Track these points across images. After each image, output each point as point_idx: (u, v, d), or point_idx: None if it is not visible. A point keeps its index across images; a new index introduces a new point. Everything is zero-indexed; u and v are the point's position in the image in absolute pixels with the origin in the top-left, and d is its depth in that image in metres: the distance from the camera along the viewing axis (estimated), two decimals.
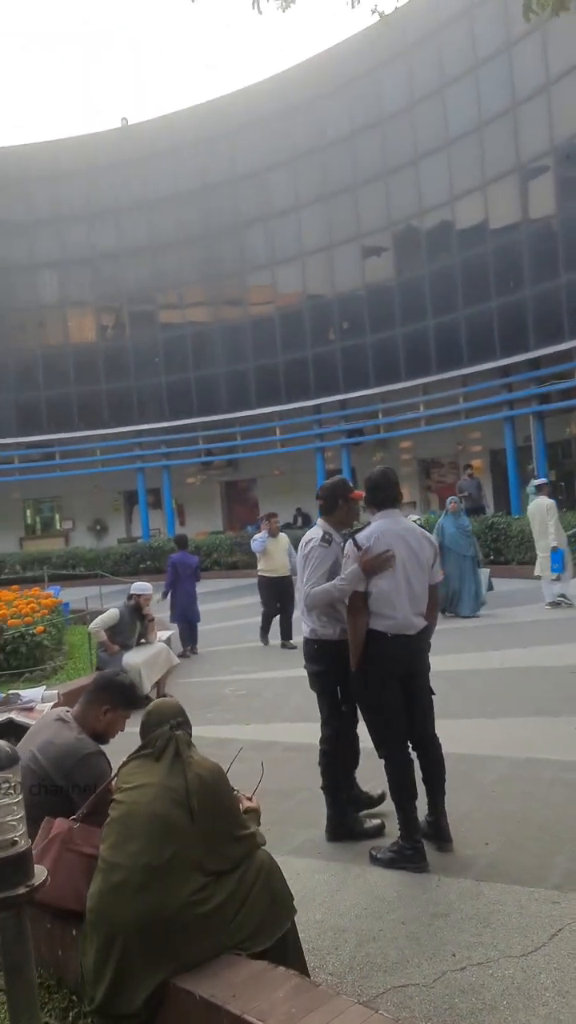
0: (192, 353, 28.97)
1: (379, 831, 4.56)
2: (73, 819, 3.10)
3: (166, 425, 28.79)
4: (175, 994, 2.60)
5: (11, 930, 1.90)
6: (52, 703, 5.97)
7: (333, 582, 4.39)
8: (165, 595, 11.17)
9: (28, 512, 32.65)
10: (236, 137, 27.77)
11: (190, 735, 3.10)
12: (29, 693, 6.10)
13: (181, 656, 11.27)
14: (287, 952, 2.94)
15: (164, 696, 8.40)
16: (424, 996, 3.05)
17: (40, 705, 5.86)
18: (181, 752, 2.96)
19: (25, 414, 29.89)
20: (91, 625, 8.50)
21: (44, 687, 6.48)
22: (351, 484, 4.93)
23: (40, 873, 1.97)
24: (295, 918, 3.60)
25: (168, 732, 3.00)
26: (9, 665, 9.12)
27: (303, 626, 4.86)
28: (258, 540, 11.27)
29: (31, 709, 5.78)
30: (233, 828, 2.94)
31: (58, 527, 32.30)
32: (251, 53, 73.41)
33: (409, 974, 3.20)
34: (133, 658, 8.22)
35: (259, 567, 11.28)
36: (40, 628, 9.38)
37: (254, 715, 7.62)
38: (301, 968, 2.98)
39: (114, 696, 3.43)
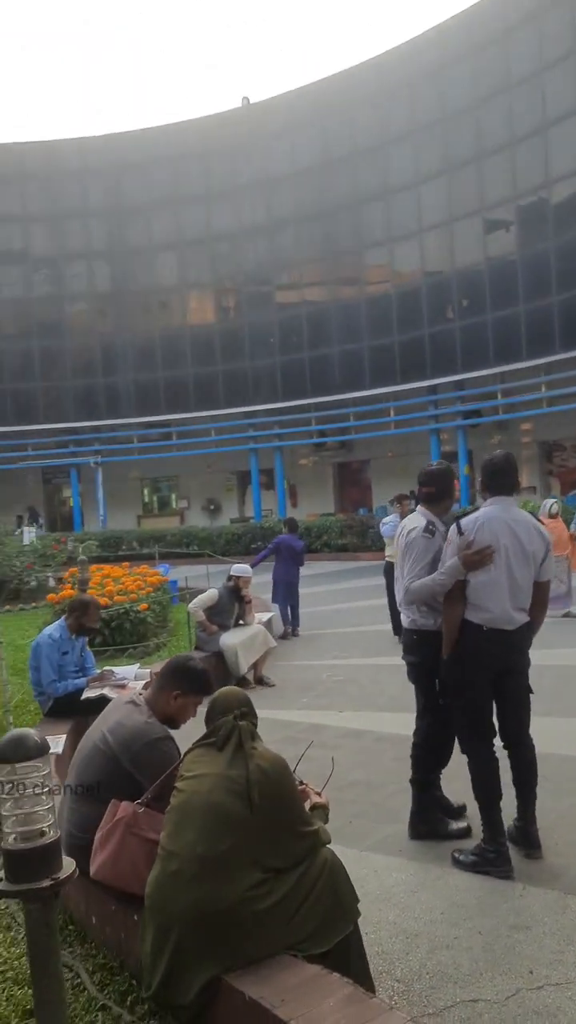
0: (307, 333, 28.89)
1: (465, 833, 4.37)
2: (138, 803, 3.07)
3: (279, 406, 28.88)
4: (226, 991, 2.53)
5: (37, 922, 1.86)
6: (144, 681, 6.03)
7: (433, 576, 4.22)
8: (254, 564, 11.19)
9: (146, 491, 33.52)
10: (356, 112, 27.34)
11: (255, 725, 3.01)
12: (123, 670, 6.18)
13: (282, 637, 11.28)
14: (349, 956, 2.83)
15: (261, 678, 8.44)
16: (494, 1013, 2.88)
17: (133, 682, 5.93)
18: (244, 743, 2.87)
19: (144, 395, 30.63)
20: (190, 605, 8.58)
21: (138, 665, 6.57)
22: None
23: (68, 866, 1.92)
24: (361, 919, 3.52)
25: (232, 722, 2.92)
26: (114, 641, 9.34)
27: (403, 616, 4.71)
28: (389, 524, 10.48)
29: (124, 686, 5.85)
30: (296, 824, 2.84)
31: (174, 506, 33.05)
32: (373, 25, 72.19)
33: (481, 988, 3.03)
34: (230, 639, 8.25)
35: (387, 552, 10.88)
36: (144, 605, 9.55)
37: (349, 702, 7.50)
38: (363, 974, 2.86)
39: (186, 681, 3.38)
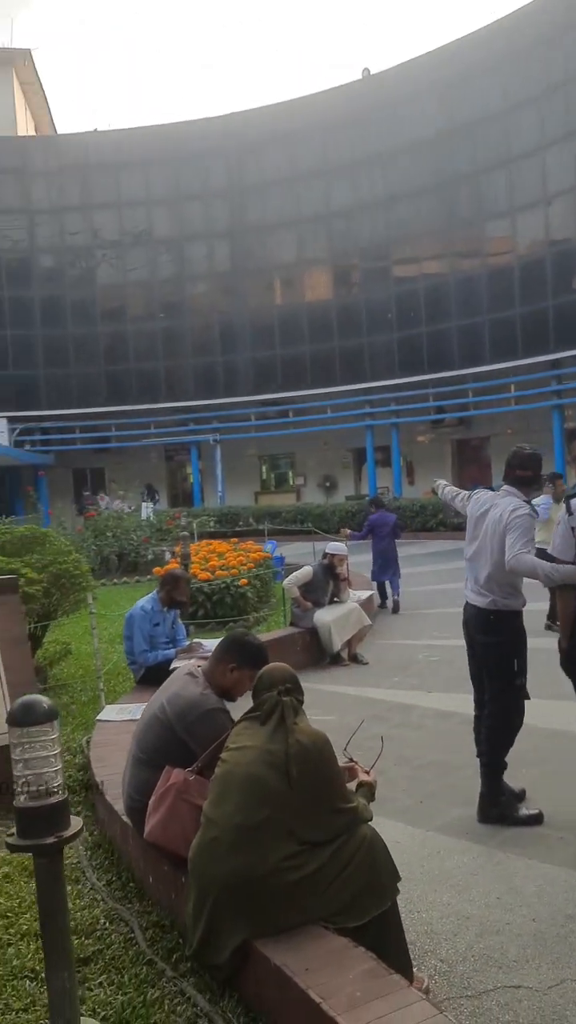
0: (425, 307, 28.40)
1: (536, 820, 4.30)
2: (189, 770, 3.20)
3: (396, 382, 28.57)
4: (256, 955, 2.62)
5: (45, 875, 1.99)
6: None
7: (546, 564, 4.20)
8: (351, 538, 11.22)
9: (263, 468, 33.96)
10: (478, 79, 26.47)
11: (300, 702, 3.06)
12: (210, 643, 6.35)
13: (382, 607, 11.29)
14: (386, 932, 2.86)
15: (355, 656, 8.48)
16: (534, 1001, 2.85)
17: None
18: (286, 718, 2.93)
19: (261, 373, 30.97)
20: (285, 581, 8.70)
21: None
22: None
23: (75, 824, 2.04)
24: (415, 898, 3.54)
25: (275, 697, 2.98)
26: (215, 614, 9.60)
27: (470, 595, 4.68)
28: (542, 505, 8.98)
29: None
30: (334, 799, 2.88)
31: (290, 483, 33.35)
32: None
33: (525, 975, 3.00)
34: (324, 616, 8.33)
35: (537, 538, 9.67)
36: (244, 580, 9.76)
37: (440, 683, 7.44)
38: (400, 951, 2.89)
39: (241, 655, 3.46)
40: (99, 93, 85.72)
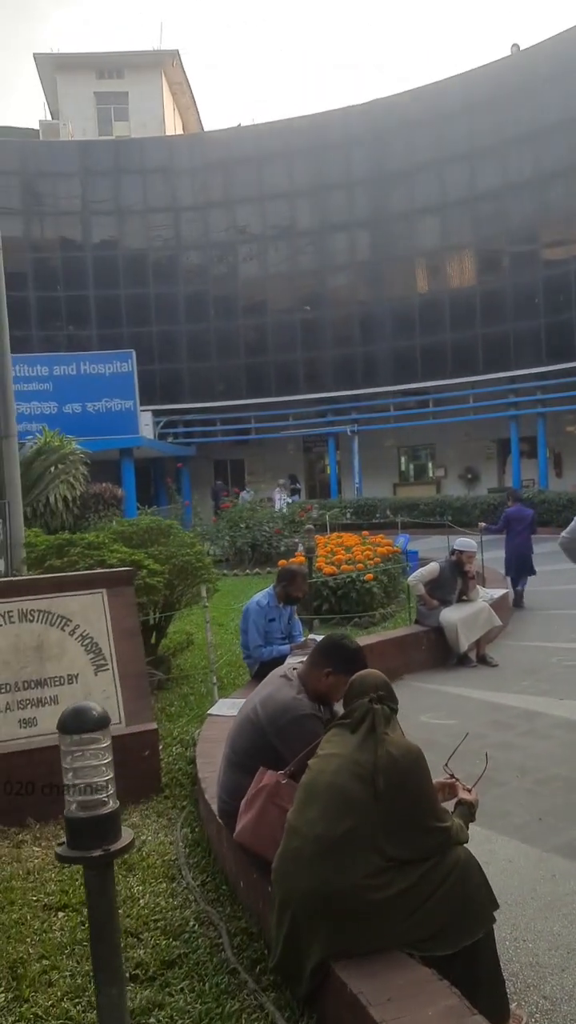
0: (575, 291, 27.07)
1: None
2: (282, 773, 3.11)
3: (543, 370, 27.42)
4: (333, 978, 2.50)
5: (93, 888, 1.94)
6: None
7: None
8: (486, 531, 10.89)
9: (402, 459, 33.50)
10: None
11: (393, 711, 2.89)
12: None
13: (515, 605, 10.83)
14: (478, 964, 2.67)
15: (484, 657, 8.16)
16: None
17: None
18: (376, 727, 2.78)
19: (400, 362, 30.51)
20: (410, 578, 8.48)
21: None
22: None
23: (127, 836, 1.97)
24: (521, 926, 3.30)
25: (367, 705, 2.83)
26: (340, 609, 9.49)
27: None
28: None
29: None
30: (425, 817, 2.70)
31: (430, 475, 32.72)
32: None
33: None
34: (451, 615, 8.05)
35: None
36: (370, 576, 9.59)
37: (574, 690, 7.02)
38: (494, 986, 2.69)
39: (337, 659, 3.34)
40: (247, 89, 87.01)
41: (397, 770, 2.69)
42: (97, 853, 1.87)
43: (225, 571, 15.82)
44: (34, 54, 38.22)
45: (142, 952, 3.05)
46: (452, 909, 2.64)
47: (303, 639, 6.32)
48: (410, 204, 30.61)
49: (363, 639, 7.93)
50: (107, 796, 1.94)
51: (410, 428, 30.85)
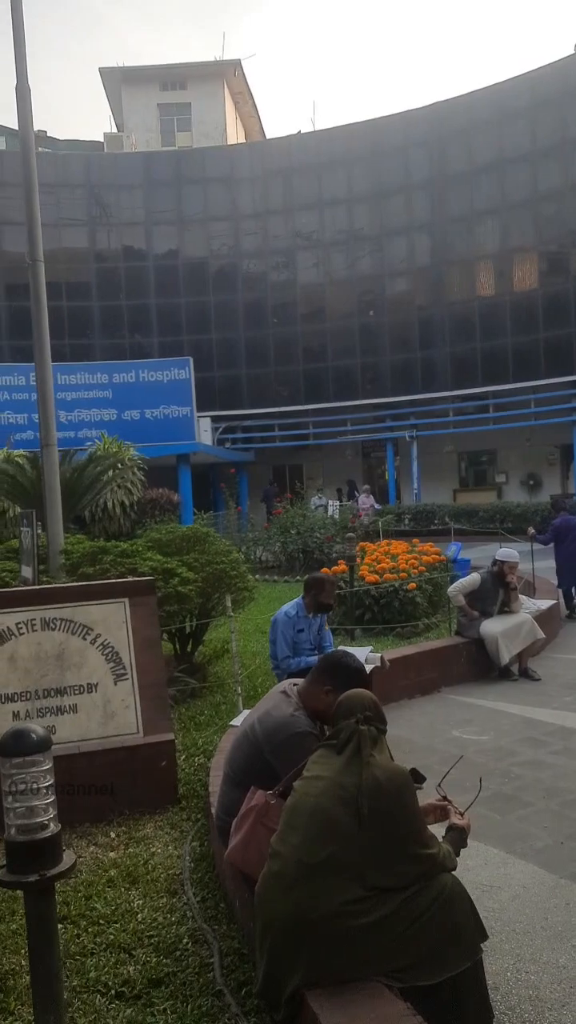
0: None
1: None
2: (271, 793, 3.06)
3: None
4: (306, 1007, 2.43)
5: (32, 912, 1.91)
6: (373, 665, 5.98)
7: None
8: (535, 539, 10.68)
9: (462, 465, 33.04)
10: None
11: (382, 732, 2.81)
12: (355, 652, 6.14)
13: (568, 618, 10.55)
14: (462, 997, 2.57)
15: (526, 671, 7.95)
16: None
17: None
18: (362, 749, 2.70)
19: (460, 366, 30.12)
20: (450, 588, 8.31)
21: (370, 648, 6.49)
22: None
23: (68, 860, 1.94)
24: (526, 956, 3.18)
25: (353, 726, 2.76)
26: (382, 619, 9.37)
27: None
28: None
29: None
30: (410, 844, 2.62)
31: (491, 481, 32.18)
32: None
33: None
34: (491, 627, 7.87)
35: None
36: (412, 585, 9.45)
37: None
38: (479, 1019, 2.60)
39: (336, 677, 3.27)
40: (309, 95, 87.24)
41: (382, 794, 2.61)
42: (33, 878, 1.85)
43: (275, 577, 15.83)
44: (100, 68, 39.04)
45: (132, 969, 3.03)
46: (435, 938, 2.56)
47: (334, 651, 6.22)
48: (470, 207, 30.23)
49: (399, 650, 7.82)
50: (48, 820, 1.92)
51: (470, 433, 30.39)
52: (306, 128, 35.76)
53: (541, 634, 8.08)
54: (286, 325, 32.89)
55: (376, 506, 24.27)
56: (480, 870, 3.97)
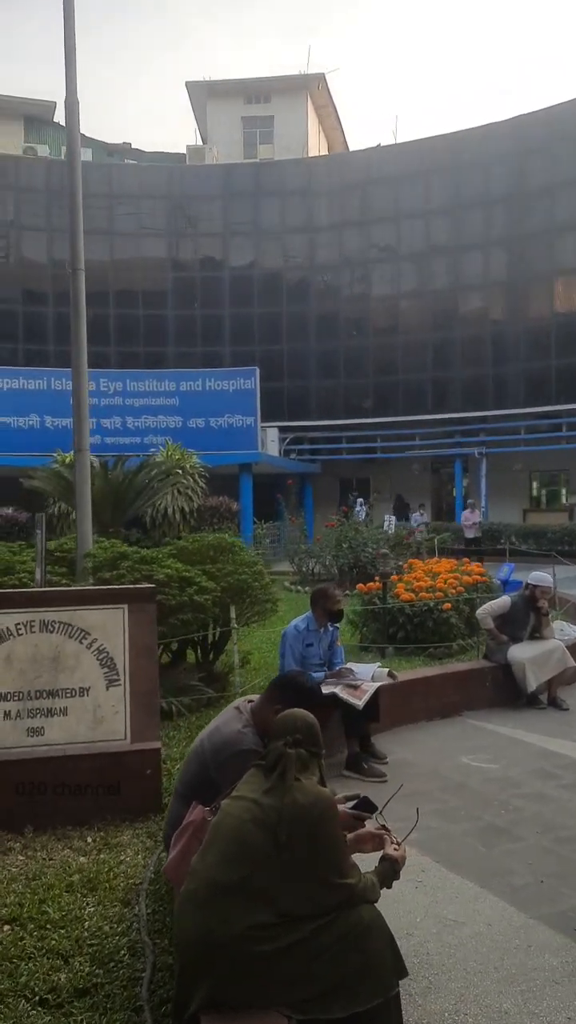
0: None
1: None
2: (208, 810, 3.02)
3: None
4: None
5: None
6: (380, 683, 5.88)
7: None
8: None
9: (533, 484, 32.32)
10: None
11: (314, 755, 2.75)
12: (362, 668, 6.04)
13: None
14: None
15: (555, 700, 7.70)
16: None
17: (367, 684, 5.79)
18: (287, 773, 2.65)
19: (533, 384, 29.55)
20: (479, 611, 8.10)
21: (378, 664, 6.36)
22: None
23: None
24: (472, 1001, 3.06)
25: (280, 748, 2.71)
26: (415, 638, 9.21)
27: None
28: None
29: (356, 687, 5.75)
30: (327, 871, 2.56)
31: (562, 501, 31.38)
32: None
33: None
34: (520, 652, 7.64)
35: None
36: (447, 605, 9.26)
37: None
38: None
39: (288, 696, 3.21)
40: (394, 109, 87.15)
41: (302, 821, 2.56)
42: None
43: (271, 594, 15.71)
44: (186, 82, 39.82)
45: (63, 976, 3.03)
46: (345, 971, 2.49)
47: (341, 667, 6.15)
48: (550, 222, 29.66)
49: (420, 671, 7.68)
50: None
51: (542, 452, 29.74)
52: (388, 142, 35.65)
53: (572, 662, 7.81)
54: (357, 337, 32.87)
55: (476, 521, 23.15)
56: (448, 903, 3.84)
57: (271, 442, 29.56)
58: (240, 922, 2.46)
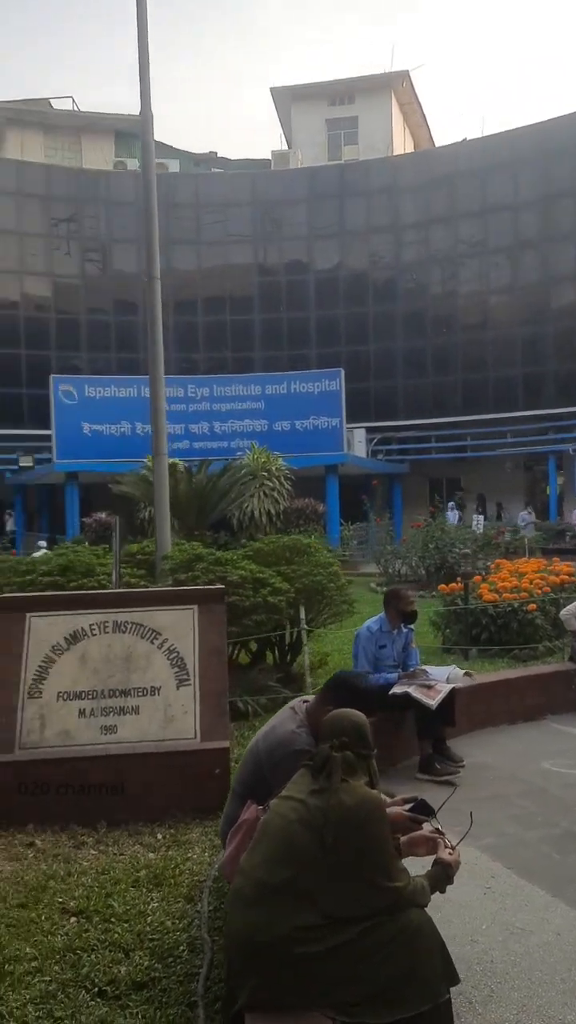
0: None
1: None
2: (262, 808, 3.04)
3: None
4: None
5: None
6: (455, 684, 5.77)
7: None
8: None
9: None
10: None
11: (363, 757, 2.72)
12: (436, 671, 5.95)
13: None
14: None
15: None
16: None
17: (442, 685, 5.69)
18: (333, 774, 2.64)
19: None
20: (563, 611, 7.87)
21: (454, 666, 6.23)
22: None
23: None
24: (526, 1006, 2.98)
25: (327, 750, 2.70)
26: (500, 640, 9.01)
27: None
28: None
29: (431, 687, 5.66)
30: (373, 874, 2.53)
31: None
32: None
33: None
34: None
35: None
36: (532, 606, 9.01)
37: None
38: None
39: (340, 697, 3.19)
40: (482, 103, 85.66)
41: (348, 823, 2.54)
42: None
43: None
44: (271, 88, 40.15)
45: (123, 969, 3.09)
46: (391, 976, 2.45)
47: (415, 668, 6.06)
48: None
49: (501, 673, 7.52)
50: None
51: None
52: (475, 135, 35.02)
53: None
54: (445, 334, 32.44)
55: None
56: (517, 911, 3.75)
57: (358, 443, 29.48)
58: (285, 923, 2.45)
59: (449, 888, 3.98)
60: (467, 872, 4.11)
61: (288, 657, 7.82)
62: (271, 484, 20.98)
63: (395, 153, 37.71)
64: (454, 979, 2.56)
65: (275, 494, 21.09)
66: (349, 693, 3.20)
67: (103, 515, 21.32)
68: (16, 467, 29.16)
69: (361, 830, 2.55)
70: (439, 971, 2.52)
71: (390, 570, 17.44)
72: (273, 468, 21.37)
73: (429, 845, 2.88)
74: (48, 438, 26.34)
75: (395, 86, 38.92)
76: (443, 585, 10.25)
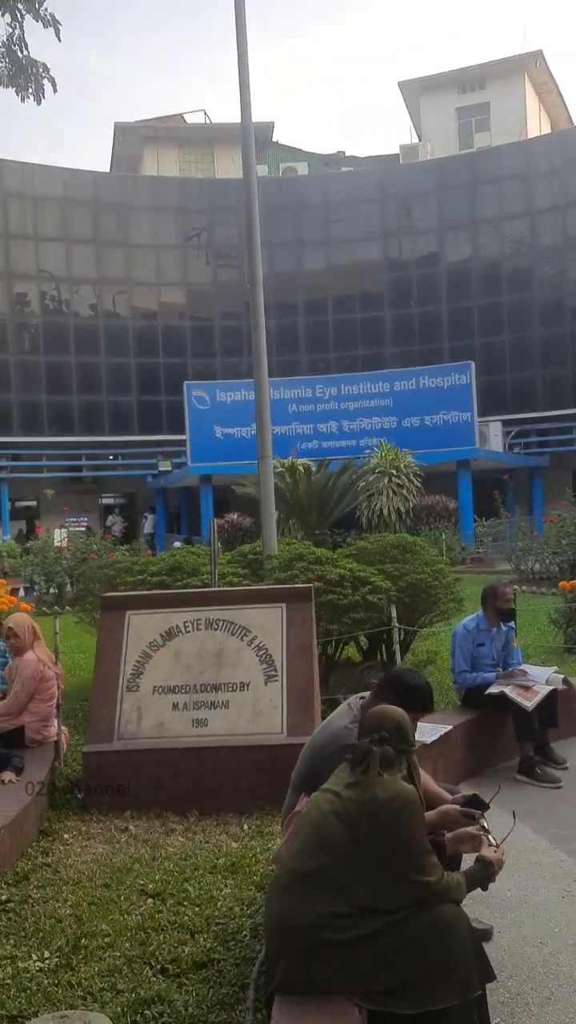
0: None
1: None
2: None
3: None
4: (272, 1008, 2.49)
5: None
6: (553, 687, 5.62)
7: None
8: None
9: None
10: None
11: (402, 752, 2.75)
12: (536, 671, 5.80)
13: None
14: None
15: None
16: None
17: (539, 686, 5.56)
18: (369, 768, 2.68)
19: None
20: None
21: (555, 668, 6.02)
22: None
23: None
24: (566, 1005, 2.91)
25: (367, 745, 2.75)
26: None
27: None
28: None
29: (528, 688, 5.54)
30: (406, 868, 2.55)
31: None
32: None
33: None
34: None
35: None
36: None
37: None
38: None
39: (397, 694, 3.20)
40: None
41: (382, 816, 2.58)
42: None
43: (543, 590, 15.10)
44: (399, 82, 39.85)
45: (187, 950, 3.25)
46: (421, 968, 2.48)
47: (514, 668, 5.93)
48: None
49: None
50: None
51: None
52: None
53: None
54: None
55: None
56: None
57: (494, 436, 28.79)
58: (313, 909, 2.53)
59: (527, 890, 3.95)
60: (550, 876, 4.06)
61: (396, 655, 7.81)
62: (400, 481, 20.86)
63: (530, 136, 36.51)
64: (490, 976, 2.55)
65: (404, 491, 20.96)
66: (400, 690, 3.22)
67: (235, 516, 21.88)
68: (156, 472, 30.36)
69: (393, 823, 2.58)
70: (472, 966, 2.51)
71: (522, 567, 16.99)
72: (402, 465, 21.24)
73: (474, 842, 2.88)
74: (184, 443, 27.27)
75: (528, 67, 37.68)
76: (564, 582, 9.91)
